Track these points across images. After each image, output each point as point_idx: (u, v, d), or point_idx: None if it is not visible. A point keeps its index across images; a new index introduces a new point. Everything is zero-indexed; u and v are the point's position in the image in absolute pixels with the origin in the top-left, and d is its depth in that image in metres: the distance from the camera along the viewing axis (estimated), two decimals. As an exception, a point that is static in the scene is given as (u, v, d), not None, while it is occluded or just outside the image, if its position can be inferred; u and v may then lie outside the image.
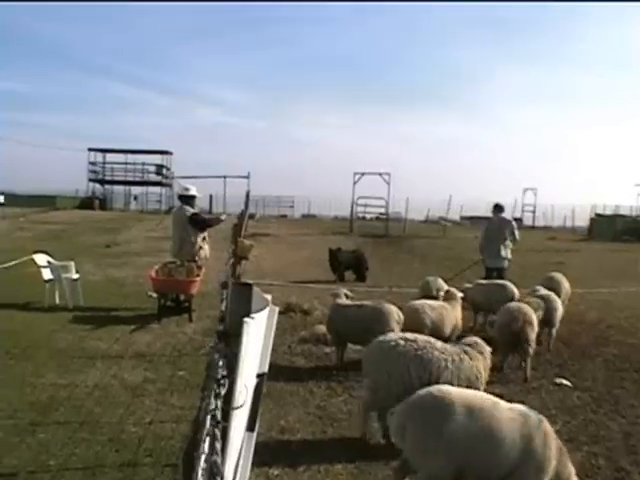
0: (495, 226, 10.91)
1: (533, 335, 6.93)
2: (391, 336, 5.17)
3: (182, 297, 9.47)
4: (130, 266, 14.97)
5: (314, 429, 5.25)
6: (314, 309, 9.96)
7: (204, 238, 10.20)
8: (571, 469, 3.64)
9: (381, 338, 5.14)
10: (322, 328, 7.99)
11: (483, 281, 9.49)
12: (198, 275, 9.47)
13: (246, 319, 1.44)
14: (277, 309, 1.83)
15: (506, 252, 10.81)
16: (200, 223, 10.08)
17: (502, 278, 10.13)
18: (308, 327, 8.74)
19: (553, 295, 8.32)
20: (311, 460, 4.60)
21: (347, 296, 7.58)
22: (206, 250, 10.23)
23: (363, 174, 30.67)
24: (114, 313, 9.57)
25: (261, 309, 1.62)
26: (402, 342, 4.91)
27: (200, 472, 1.25)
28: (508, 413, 3.50)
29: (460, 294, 8.06)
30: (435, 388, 3.70)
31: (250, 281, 1.76)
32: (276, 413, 5.50)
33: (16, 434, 4.82)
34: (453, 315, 7.57)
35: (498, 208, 11.12)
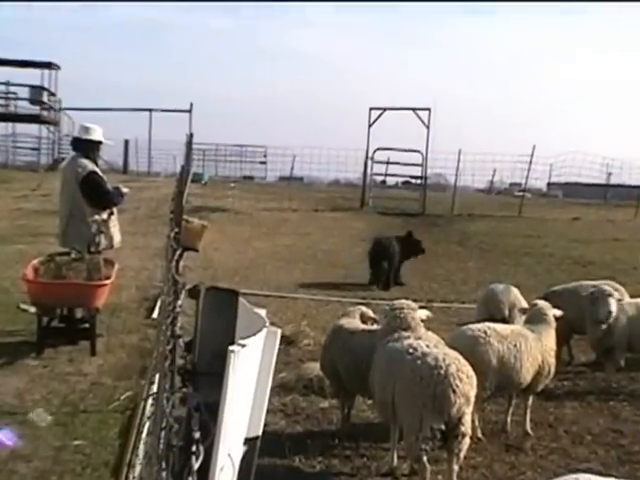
0: None
1: None
2: None
3: (80, 313, 9.49)
4: (-14, 259, 14.96)
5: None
6: (302, 336, 10.01)
7: (110, 214, 9.93)
8: None
9: None
10: (315, 367, 8.05)
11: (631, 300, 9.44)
12: (108, 277, 9.43)
13: (233, 348, 1.46)
14: (279, 332, 1.87)
15: None
16: (97, 197, 9.70)
17: None
18: (292, 366, 8.84)
19: None
20: None
21: (365, 318, 7.57)
22: (113, 235, 9.99)
23: (385, 110, 30.59)
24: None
25: (254, 333, 1.64)
26: None
27: None
28: None
29: (556, 313, 7.92)
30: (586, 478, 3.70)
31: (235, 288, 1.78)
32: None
33: None
34: (537, 349, 7.58)
35: None
